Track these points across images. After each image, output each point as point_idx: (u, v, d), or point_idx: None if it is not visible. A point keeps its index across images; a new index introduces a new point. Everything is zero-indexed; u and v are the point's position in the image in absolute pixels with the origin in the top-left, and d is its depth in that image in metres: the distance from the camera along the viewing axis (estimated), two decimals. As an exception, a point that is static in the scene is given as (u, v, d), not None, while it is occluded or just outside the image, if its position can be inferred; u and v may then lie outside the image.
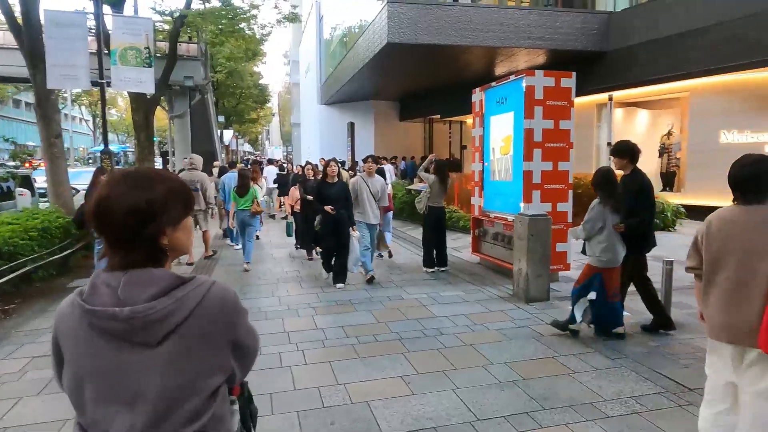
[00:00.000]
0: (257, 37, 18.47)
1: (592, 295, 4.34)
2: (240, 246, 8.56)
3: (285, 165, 18.71)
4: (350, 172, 12.47)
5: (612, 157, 4.67)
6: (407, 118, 23.81)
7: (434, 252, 7.14)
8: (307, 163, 10.50)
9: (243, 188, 7.72)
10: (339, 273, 6.50)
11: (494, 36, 13.04)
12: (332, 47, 24.36)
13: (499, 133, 6.82)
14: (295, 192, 8.95)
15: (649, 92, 13.26)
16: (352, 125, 18.58)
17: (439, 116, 21.60)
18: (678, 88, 12.40)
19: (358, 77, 17.57)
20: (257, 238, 9.91)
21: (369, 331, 4.72)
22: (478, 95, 7.35)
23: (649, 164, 13.10)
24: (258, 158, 55.60)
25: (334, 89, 21.57)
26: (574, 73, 6.19)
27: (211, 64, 32.46)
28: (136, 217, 1.07)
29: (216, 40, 17.44)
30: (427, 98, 21.45)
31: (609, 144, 10.34)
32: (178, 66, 17.12)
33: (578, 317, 4.41)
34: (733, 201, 2.41)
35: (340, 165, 7.93)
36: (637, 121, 14.73)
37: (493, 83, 6.95)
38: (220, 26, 14.75)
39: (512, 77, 6.35)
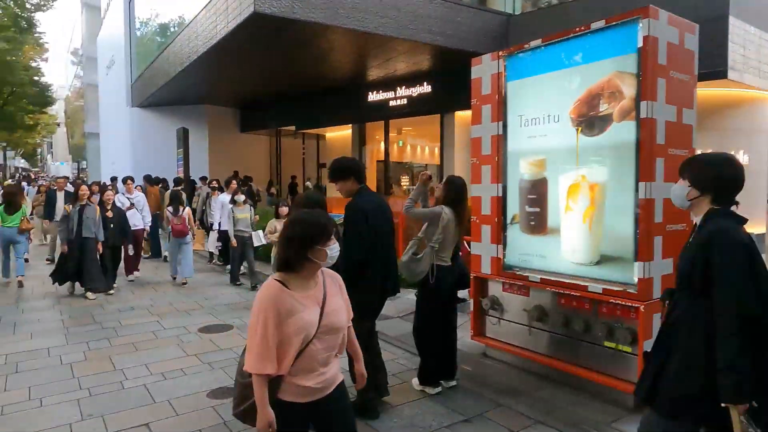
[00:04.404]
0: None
1: None
2: None
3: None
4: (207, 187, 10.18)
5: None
6: (250, 129, 19.65)
7: (436, 353, 3.75)
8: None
9: (12, 206, 7.89)
10: None
11: (391, 23, 10.21)
12: (149, 33, 19.01)
13: (544, 116, 3.82)
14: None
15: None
16: (185, 132, 13.94)
17: (294, 127, 17.99)
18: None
19: (196, 68, 13.10)
20: (26, 260, 8.87)
21: None
22: (487, 66, 4.25)
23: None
24: (36, 176, 44.23)
25: (155, 86, 16.43)
26: (697, 27, 3.52)
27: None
28: None
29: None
30: (277, 106, 17.74)
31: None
32: None
33: None
34: None
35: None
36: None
37: (534, 42, 3.91)
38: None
39: (612, 20, 3.36)
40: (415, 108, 13.40)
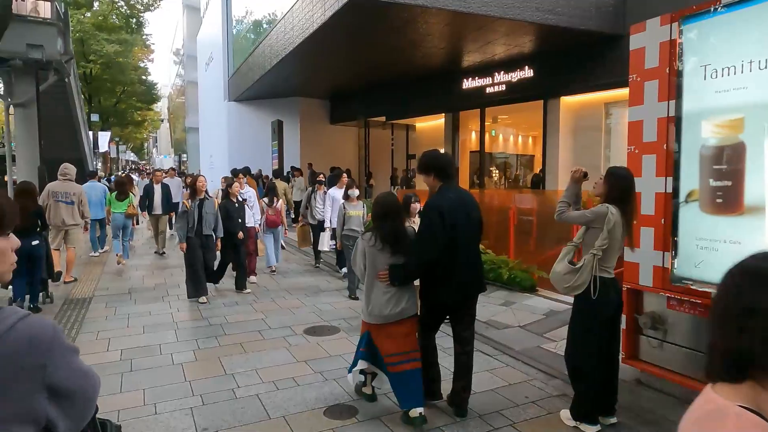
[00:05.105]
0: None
1: (362, 364, 3.41)
2: (97, 252, 9.88)
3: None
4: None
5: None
6: (340, 120, 19.62)
7: (596, 384, 3.09)
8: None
9: (122, 195, 8.99)
10: None
11: (495, 2, 9.39)
12: (245, 30, 19.52)
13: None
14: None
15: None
16: (279, 124, 14.11)
17: (384, 118, 17.67)
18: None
19: (291, 60, 13.11)
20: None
21: None
22: (654, 33, 3.48)
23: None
24: (143, 168, 48.00)
25: (250, 80, 16.79)
26: None
27: (82, 52, 25.80)
28: None
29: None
30: (367, 97, 17.49)
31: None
32: (17, 29, 11.47)
33: (351, 380, 3.53)
34: None
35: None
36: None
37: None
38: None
39: None
40: (515, 94, 12.49)
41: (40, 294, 6.07)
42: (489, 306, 5.80)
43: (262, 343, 4.84)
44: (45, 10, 12.91)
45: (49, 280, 6.31)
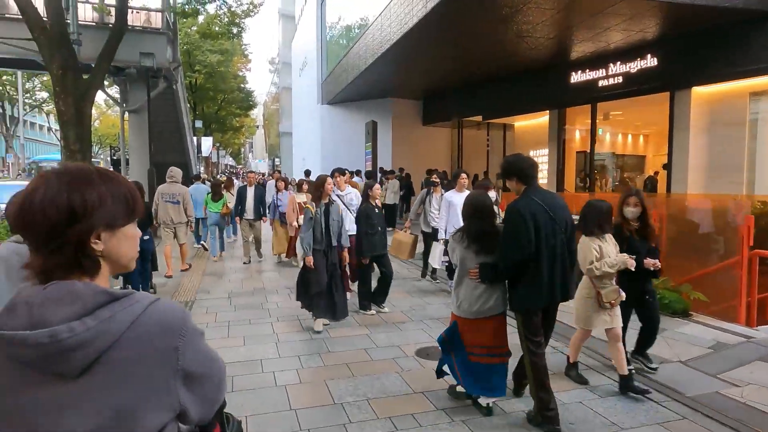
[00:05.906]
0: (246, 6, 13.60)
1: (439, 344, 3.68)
2: (199, 245, 10.66)
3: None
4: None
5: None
6: (432, 121, 18.98)
7: None
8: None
9: (217, 195, 9.68)
10: None
11: (621, -20, 8.32)
12: (337, 35, 19.54)
13: None
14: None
15: None
16: (374, 125, 13.77)
17: (480, 118, 16.78)
18: None
19: (387, 58, 12.70)
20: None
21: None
22: None
23: None
24: (239, 171, 50.62)
25: (344, 82, 16.67)
26: None
27: (189, 63, 27.48)
28: (60, 213, 0.89)
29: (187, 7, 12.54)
30: (462, 96, 16.68)
31: None
32: (131, 39, 12.07)
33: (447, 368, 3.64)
34: None
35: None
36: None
37: None
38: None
39: None
40: (635, 86, 11.13)
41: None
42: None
43: (370, 364, 4.30)
44: (156, 21, 13.58)
45: (153, 272, 6.90)
